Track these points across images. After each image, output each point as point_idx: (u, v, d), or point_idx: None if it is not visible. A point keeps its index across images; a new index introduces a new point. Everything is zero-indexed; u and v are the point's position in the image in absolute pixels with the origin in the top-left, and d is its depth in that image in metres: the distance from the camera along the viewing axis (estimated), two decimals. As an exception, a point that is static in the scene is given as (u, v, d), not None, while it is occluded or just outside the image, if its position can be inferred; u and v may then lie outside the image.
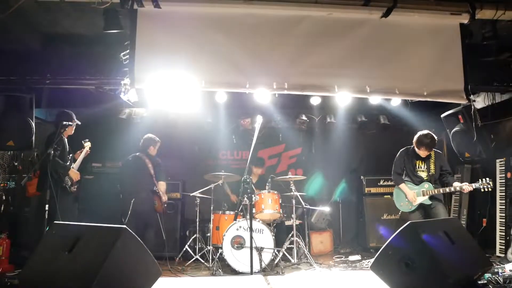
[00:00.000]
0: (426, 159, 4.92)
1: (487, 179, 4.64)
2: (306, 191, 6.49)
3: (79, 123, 5.19)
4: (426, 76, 4.42)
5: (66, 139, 5.09)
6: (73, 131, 5.19)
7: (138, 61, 4.18)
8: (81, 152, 5.20)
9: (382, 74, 4.39)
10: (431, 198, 4.81)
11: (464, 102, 4.48)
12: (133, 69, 4.17)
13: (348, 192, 7.17)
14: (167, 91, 4.53)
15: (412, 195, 4.87)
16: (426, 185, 4.85)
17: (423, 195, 4.84)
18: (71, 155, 5.15)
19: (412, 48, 4.44)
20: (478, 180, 4.68)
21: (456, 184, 4.76)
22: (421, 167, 4.95)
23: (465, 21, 4.36)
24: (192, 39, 4.25)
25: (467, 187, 4.69)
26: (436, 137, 4.84)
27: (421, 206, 4.88)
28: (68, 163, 4.99)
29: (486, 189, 4.66)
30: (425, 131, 4.84)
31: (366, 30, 4.36)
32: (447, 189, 4.78)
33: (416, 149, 4.87)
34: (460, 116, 5.45)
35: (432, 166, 4.89)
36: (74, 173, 4.96)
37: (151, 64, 4.20)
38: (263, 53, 4.31)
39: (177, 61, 4.22)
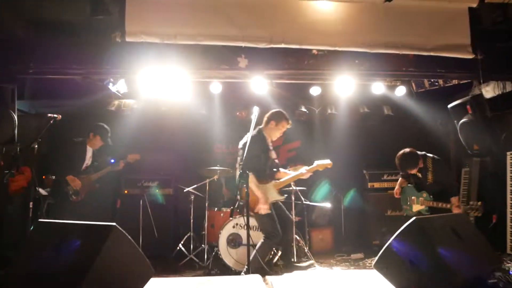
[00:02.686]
0: (422, 169, 4.91)
1: (478, 203, 4.59)
2: (313, 198, 6.45)
3: (110, 143, 5.42)
4: (431, 30, 4.53)
5: (88, 147, 5.31)
6: (98, 145, 5.40)
7: (129, 13, 4.17)
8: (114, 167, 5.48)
9: (384, 29, 4.50)
10: (431, 210, 4.85)
11: (470, 56, 4.53)
12: (123, 21, 4.16)
13: (349, 187, 7.17)
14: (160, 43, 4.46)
15: (396, 188, 5.15)
16: (424, 194, 4.92)
17: (421, 204, 4.91)
18: (95, 163, 5.38)
19: (417, 11, 4.55)
20: (469, 203, 4.71)
21: (453, 200, 4.72)
22: (418, 174, 4.97)
23: (474, 5, 4.36)
24: None
25: (455, 208, 4.67)
26: (411, 155, 4.78)
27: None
28: (81, 172, 5.18)
29: (473, 214, 4.65)
30: (401, 151, 4.84)
31: (369, 14, 4.44)
32: (440, 205, 4.76)
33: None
34: (468, 106, 5.43)
35: (430, 176, 4.90)
36: (72, 180, 5.02)
37: (143, 17, 4.21)
38: (260, 8, 4.37)
39: (170, 17, 4.25)
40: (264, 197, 4.38)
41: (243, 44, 4.30)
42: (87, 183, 5.23)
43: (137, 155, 5.67)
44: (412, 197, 5.03)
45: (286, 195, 4.67)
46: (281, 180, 4.63)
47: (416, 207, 4.95)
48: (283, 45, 4.35)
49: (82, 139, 5.32)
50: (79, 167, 5.22)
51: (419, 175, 4.94)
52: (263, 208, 4.34)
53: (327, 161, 4.64)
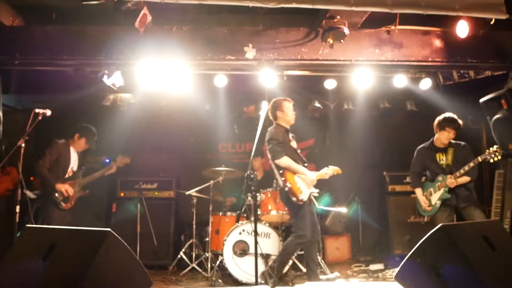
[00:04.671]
0: (444, 150, 4.99)
1: (495, 146, 4.62)
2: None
3: (94, 147, 5.36)
4: None
5: (71, 149, 5.24)
6: (82, 148, 5.34)
7: None
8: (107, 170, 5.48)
9: None
10: (450, 191, 4.83)
11: (504, 17, 4.35)
12: None
13: (368, 190, 7.13)
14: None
15: (423, 200, 4.98)
16: (440, 178, 4.90)
17: (438, 189, 4.88)
18: (82, 167, 5.35)
19: None
20: (485, 151, 4.68)
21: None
22: (442, 159, 5.02)
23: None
24: None
25: (472, 164, 4.70)
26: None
27: (448, 206, 4.89)
28: (68, 177, 5.15)
29: (493, 159, 4.62)
30: (447, 113, 4.96)
31: None
32: (458, 174, 4.75)
33: (440, 132, 4.93)
34: (503, 101, 5.34)
35: (451, 157, 4.96)
36: (64, 187, 5.00)
37: None
38: None
39: None
40: (306, 183, 4.59)
41: (250, 4, 4.21)
42: (75, 189, 5.22)
43: (127, 158, 5.62)
44: (429, 190, 5.00)
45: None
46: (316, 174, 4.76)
47: (435, 197, 4.92)
48: (294, 5, 4.22)
49: (65, 140, 5.25)
50: (65, 171, 5.19)
51: (444, 157, 4.99)
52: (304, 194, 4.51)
53: (336, 168, 4.83)
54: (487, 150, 4.63)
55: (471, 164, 4.66)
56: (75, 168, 5.26)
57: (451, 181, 4.75)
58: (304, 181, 4.58)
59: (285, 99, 4.80)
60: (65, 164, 5.18)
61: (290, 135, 4.81)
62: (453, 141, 5.00)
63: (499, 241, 3.35)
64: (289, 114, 4.76)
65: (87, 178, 5.34)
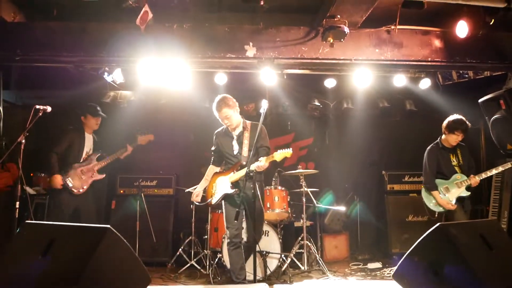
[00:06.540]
0: (454, 151, 5.03)
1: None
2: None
3: (104, 115, 5.37)
4: None
5: (86, 134, 5.27)
6: (96, 124, 5.32)
7: None
8: (122, 153, 5.45)
9: None
10: (469, 188, 4.89)
11: (502, 5, 4.27)
12: None
13: (366, 189, 7.14)
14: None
15: (445, 203, 4.91)
16: (458, 176, 4.93)
17: (458, 187, 4.91)
18: (100, 150, 5.36)
19: None
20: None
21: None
22: (454, 161, 5.05)
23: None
24: None
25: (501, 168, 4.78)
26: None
27: (461, 202, 4.93)
28: (82, 162, 5.19)
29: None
30: (456, 116, 4.96)
31: None
32: (484, 175, 4.80)
33: (449, 135, 4.93)
34: (501, 101, 5.34)
35: (460, 157, 5.03)
36: (54, 180, 4.97)
37: None
38: None
39: None
40: (220, 186, 4.61)
41: None
42: (89, 173, 5.21)
43: (150, 135, 5.64)
44: (444, 187, 4.98)
45: (236, 189, 4.52)
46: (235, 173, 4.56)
47: (453, 194, 4.90)
48: None
49: (76, 126, 5.28)
50: (78, 157, 5.21)
51: (455, 158, 5.04)
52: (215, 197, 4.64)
53: (286, 150, 4.43)
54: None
55: (500, 168, 4.75)
56: (90, 152, 5.30)
57: (475, 180, 4.82)
58: (220, 184, 4.61)
59: (217, 109, 4.48)
60: (78, 150, 5.20)
61: (238, 131, 4.59)
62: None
63: (496, 241, 3.36)
64: (223, 124, 4.63)
65: (102, 161, 5.32)
